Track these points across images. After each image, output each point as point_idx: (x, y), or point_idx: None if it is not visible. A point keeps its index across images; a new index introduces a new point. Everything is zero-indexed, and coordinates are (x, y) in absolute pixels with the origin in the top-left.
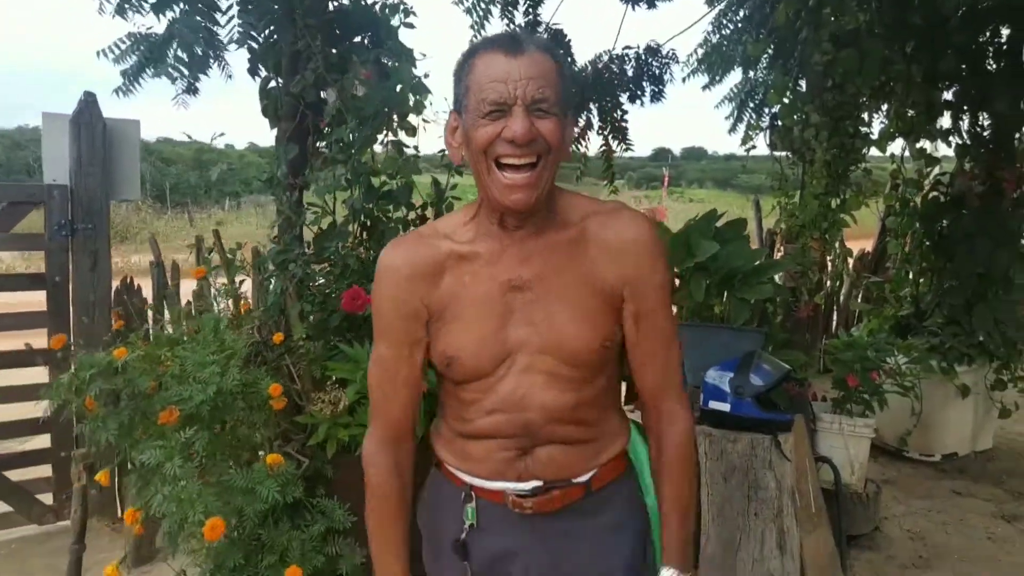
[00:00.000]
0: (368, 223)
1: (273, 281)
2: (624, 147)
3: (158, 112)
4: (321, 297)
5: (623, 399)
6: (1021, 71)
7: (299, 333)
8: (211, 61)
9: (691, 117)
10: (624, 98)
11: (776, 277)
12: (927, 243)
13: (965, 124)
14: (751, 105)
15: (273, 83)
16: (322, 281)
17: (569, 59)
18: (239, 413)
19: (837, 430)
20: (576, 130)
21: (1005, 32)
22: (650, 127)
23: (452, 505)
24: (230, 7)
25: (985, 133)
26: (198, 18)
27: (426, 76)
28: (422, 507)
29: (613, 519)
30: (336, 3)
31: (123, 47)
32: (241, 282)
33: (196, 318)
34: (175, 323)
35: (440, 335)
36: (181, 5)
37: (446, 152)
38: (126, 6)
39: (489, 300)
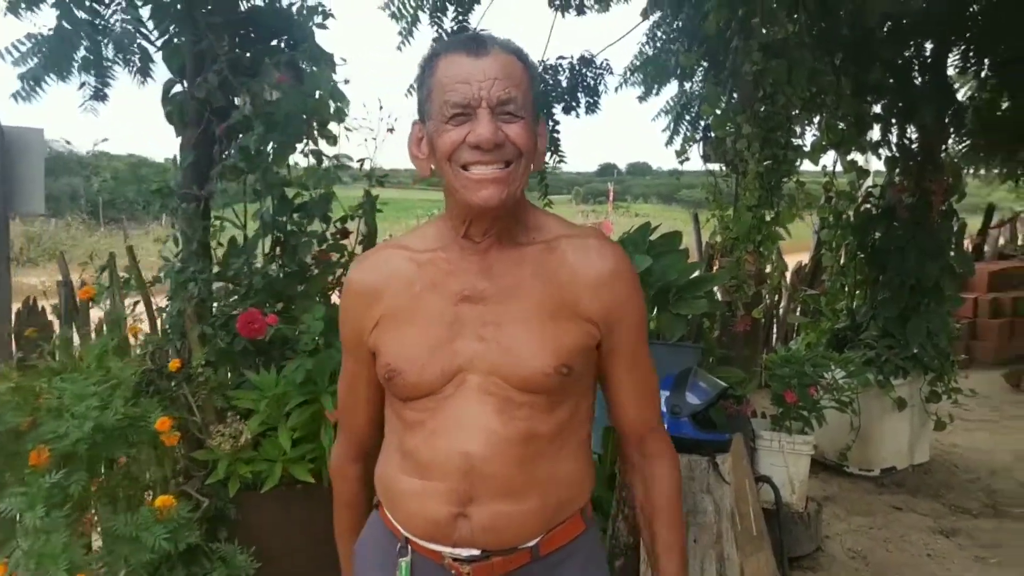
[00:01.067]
0: (281, 238)
1: (171, 302)
2: (557, 159)
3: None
4: (224, 319)
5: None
6: (944, 85)
7: (199, 359)
8: (118, 65)
9: (636, 133)
10: (558, 109)
11: (715, 291)
12: (860, 255)
13: (894, 137)
14: (687, 118)
15: (178, 86)
16: (227, 301)
17: None
18: (127, 451)
19: (777, 448)
20: None
21: (928, 47)
22: (596, 143)
23: (387, 554)
24: (114, 1)
25: (913, 146)
26: (80, 14)
27: (346, 82)
28: (359, 544)
29: None
30: (248, 2)
31: (23, 49)
32: (136, 303)
33: (87, 344)
34: (60, 348)
35: (383, 346)
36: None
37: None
38: (21, 4)
39: (438, 311)
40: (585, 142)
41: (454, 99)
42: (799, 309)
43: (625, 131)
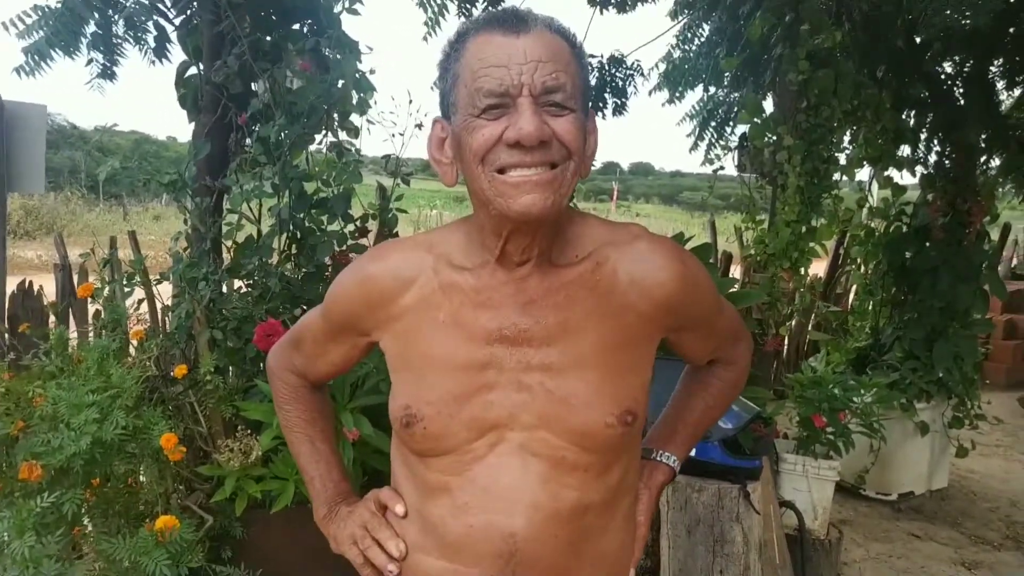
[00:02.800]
0: (298, 235)
1: (177, 301)
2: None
3: (100, 99)
4: (236, 322)
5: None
6: (988, 102)
7: (207, 365)
8: (129, 42)
9: (640, 132)
10: None
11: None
12: (889, 274)
13: (932, 154)
14: (712, 124)
15: (193, 69)
16: (238, 304)
17: None
18: (127, 465)
19: (801, 472)
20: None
21: (971, 61)
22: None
23: None
24: None
25: (948, 164)
26: None
27: (372, 72)
28: None
29: None
30: None
31: (28, 21)
32: (140, 302)
33: (85, 344)
34: (56, 348)
35: (401, 382)
36: None
37: (391, 157)
38: None
39: (466, 351)
40: None
41: (488, 87)
42: (813, 324)
43: (629, 130)
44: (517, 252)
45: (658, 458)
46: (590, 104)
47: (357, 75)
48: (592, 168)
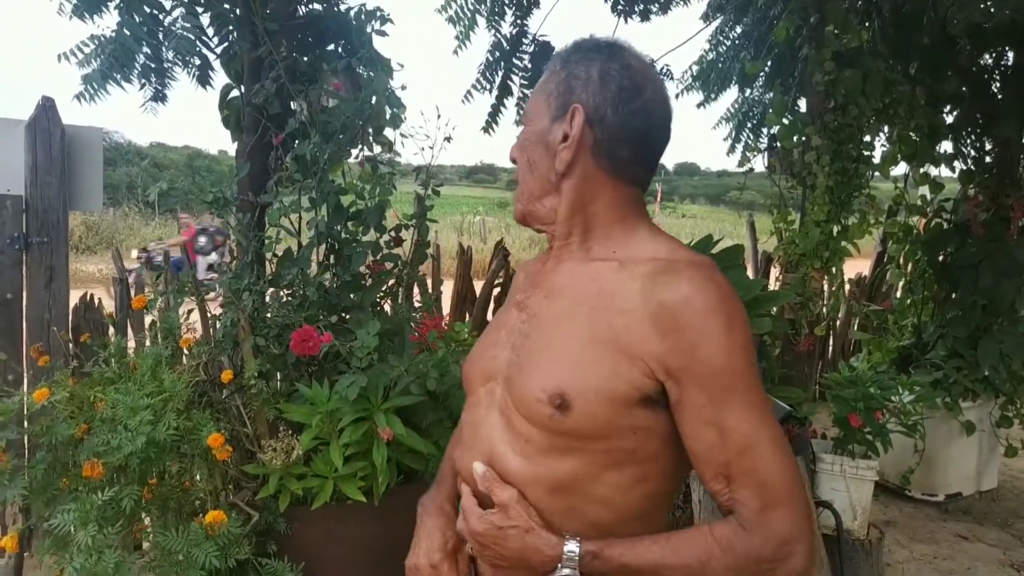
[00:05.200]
0: (335, 246)
1: (224, 311)
2: None
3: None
4: (278, 329)
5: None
6: None
7: (252, 370)
8: (178, 67)
9: (684, 132)
10: None
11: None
12: (930, 272)
13: (970, 149)
14: (748, 125)
15: (235, 92)
16: (279, 312)
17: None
18: (179, 463)
19: (838, 472)
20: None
21: (1010, 55)
22: None
23: None
24: (176, 6)
25: (988, 159)
26: (137, 19)
27: (404, 88)
28: None
29: None
30: (306, 7)
31: (86, 51)
32: (190, 311)
33: (140, 352)
34: (115, 356)
35: None
36: (118, 5)
37: (423, 168)
38: (83, 7)
39: (502, 314)
40: None
41: None
42: (857, 324)
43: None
44: (552, 240)
45: (567, 539)
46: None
47: (388, 92)
48: (551, 154)
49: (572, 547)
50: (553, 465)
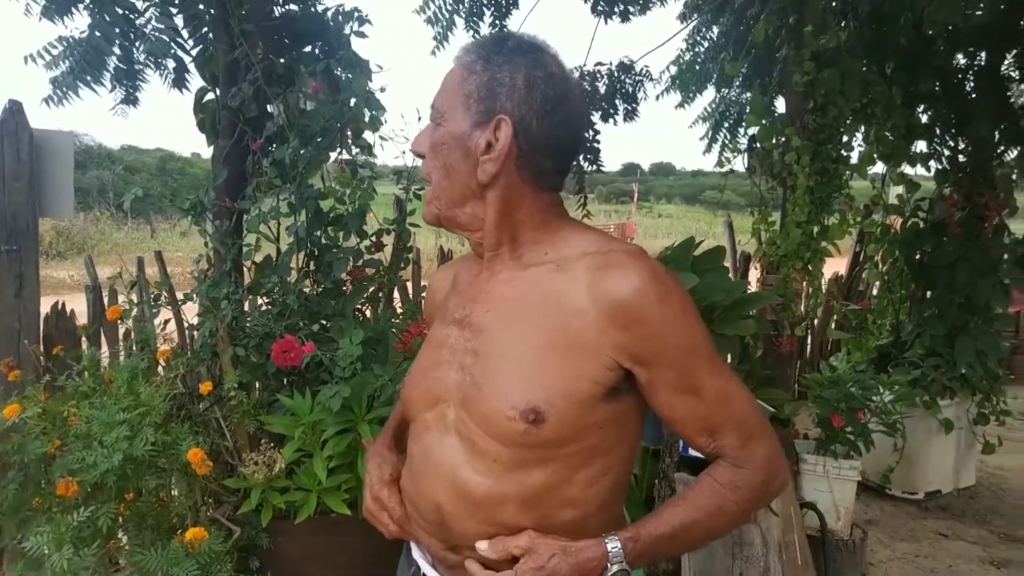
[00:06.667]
0: (315, 253)
1: (202, 321)
2: (596, 167)
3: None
4: (258, 339)
5: None
6: (1000, 95)
7: (231, 382)
8: (150, 68)
9: (660, 132)
10: (596, 117)
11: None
12: (907, 271)
13: (945, 149)
14: (725, 125)
15: (211, 95)
16: (259, 321)
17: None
18: (157, 479)
19: (822, 472)
20: (488, 133)
21: (983, 55)
22: (619, 142)
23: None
24: (148, 7)
25: (962, 158)
26: (107, 18)
27: (383, 90)
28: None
29: None
30: (283, 8)
31: (55, 52)
32: (167, 322)
33: (115, 364)
34: (88, 370)
35: None
36: (88, 6)
37: (403, 173)
38: (53, 8)
39: (438, 330)
40: (608, 141)
41: None
42: (835, 323)
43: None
44: (478, 248)
45: (605, 537)
46: (496, 109)
47: (367, 94)
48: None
49: (614, 543)
50: (523, 479)
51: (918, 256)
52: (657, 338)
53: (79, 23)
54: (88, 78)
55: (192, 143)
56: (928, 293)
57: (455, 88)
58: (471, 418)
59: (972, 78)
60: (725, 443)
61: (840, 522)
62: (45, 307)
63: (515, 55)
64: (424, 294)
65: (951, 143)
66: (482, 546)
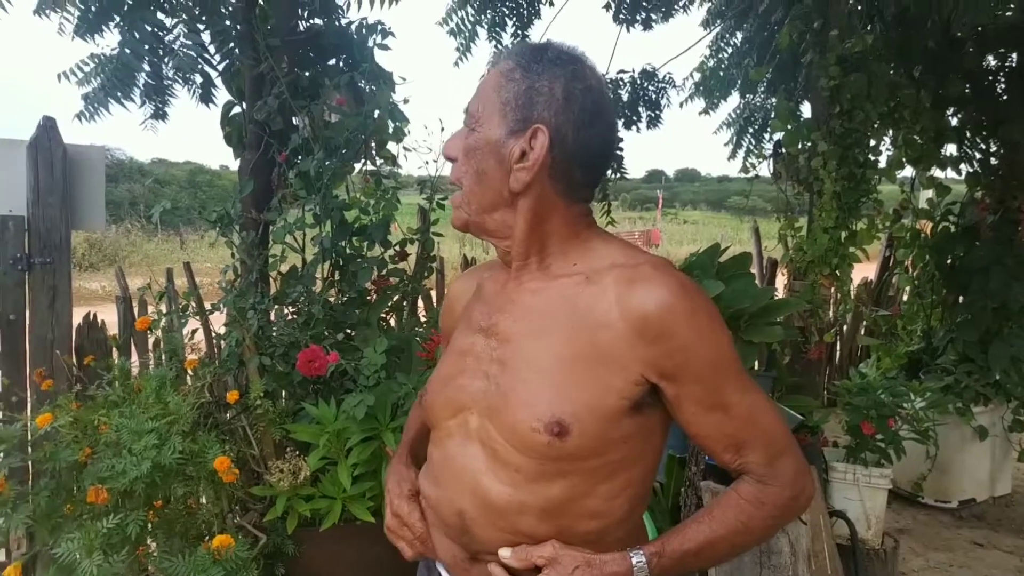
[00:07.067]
0: (340, 263)
1: (228, 331)
2: (619, 175)
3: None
4: (283, 348)
5: None
6: None
7: (257, 390)
8: (179, 84)
9: (684, 138)
10: (620, 124)
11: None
12: (938, 276)
13: (976, 152)
14: (750, 131)
15: (237, 108)
16: (285, 331)
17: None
18: (184, 487)
19: (851, 480)
20: (523, 143)
21: (1014, 56)
22: (643, 148)
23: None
24: (176, 24)
25: (994, 161)
26: (136, 36)
27: (406, 101)
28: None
29: None
30: (307, 23)
31: (86, 69)
32: (194, 332)
33: (144, 374)
34: (118, 380)
35: None
36: (119, 24)
37: (426, 183)
38: (85, 27)
39: (462, 338)
40: (632, 148)
41: None
42: (864, 328)
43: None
44: (505, 256)
45: (630, 552)
46: (537, 113)
47: (391, 105)
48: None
49: (639, 558)
50: (543, 490)
51: (949, 261)
52: (685, 353)
53: (110, 41)
54: (118, 94)
55: (221, 156)
56: (960, 298)
57: (492, 94)
58: (495, 427)
59: (1003, 79)
60: (751, 460)
61: (871, 531)
62: (77, 318)
63: (555, 65)
64: (444, 304)
65: (982, 146)
66: (505, 554)
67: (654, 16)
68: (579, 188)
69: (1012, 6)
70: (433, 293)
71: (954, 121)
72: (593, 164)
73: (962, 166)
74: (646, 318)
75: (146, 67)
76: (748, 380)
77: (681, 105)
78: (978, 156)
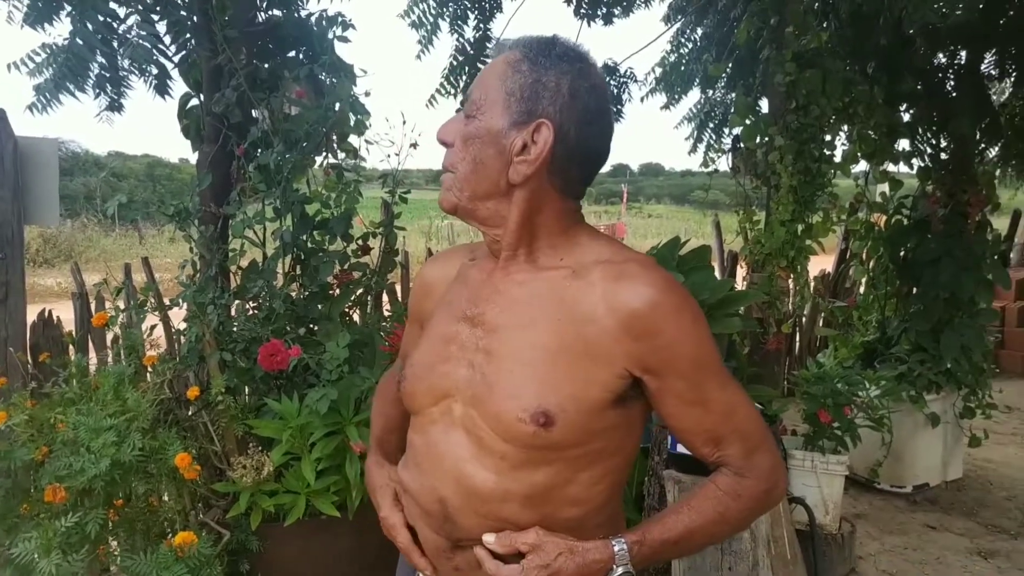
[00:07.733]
0: (301, 257)
1: (188, 327)
2: None
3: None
4: (245, 343)
5: None
6: (980, 93)
7: (218, 386)
8: (134, 75)
9: (648, 133)
10: None
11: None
12: (892, 268)
13: (927, 146)
14: (710, 125)
15: (194, 101)
16: (245, 326)
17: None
18: (146, 484)
19: (809, 468)
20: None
21: (963, 54)
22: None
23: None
24: (130, 14)
25: (944, 155)
26: (88, 25)
27: (367, 94)
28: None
29: None
30: (266, 14)
31: (38, 60)
32: (153, 327)
33: (102, 371)
34: (75, 377)
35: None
36: (70, 13)
37: (388, 176)
38: (35, 15)
39: (445, 325)
40: None
41: None
42: (822, 320)
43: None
44: (493, 245)
45: (612, 539)
46: (542, 107)
47: (352, 98)
48: (498, 155)
49: (620, 545)
50: (528, 477)
51: (902, 253)
52: (669, 349)
53: (62, 30)
54: (71, 85)
55: (180, 149)
56: (913, 289)
57: (496, 83)
58: (480, 416)
59: (952, 77)
60: (729, 453)
61: (829, 516)
62: (32, 315)
63: (562, 61)
64: (415, 287)
65: (933, 141)
66: (489, 539)
67: (615, 11)
68: (574, 185)
69: (961, 5)
70: (398, 287)
71: (906, 117)
72: (590, 163)
73: (914, 160)
74: (633, 314)
75: (100, 58)
76: (728, 376)
77: (643, 100)
78: (929, 151)
